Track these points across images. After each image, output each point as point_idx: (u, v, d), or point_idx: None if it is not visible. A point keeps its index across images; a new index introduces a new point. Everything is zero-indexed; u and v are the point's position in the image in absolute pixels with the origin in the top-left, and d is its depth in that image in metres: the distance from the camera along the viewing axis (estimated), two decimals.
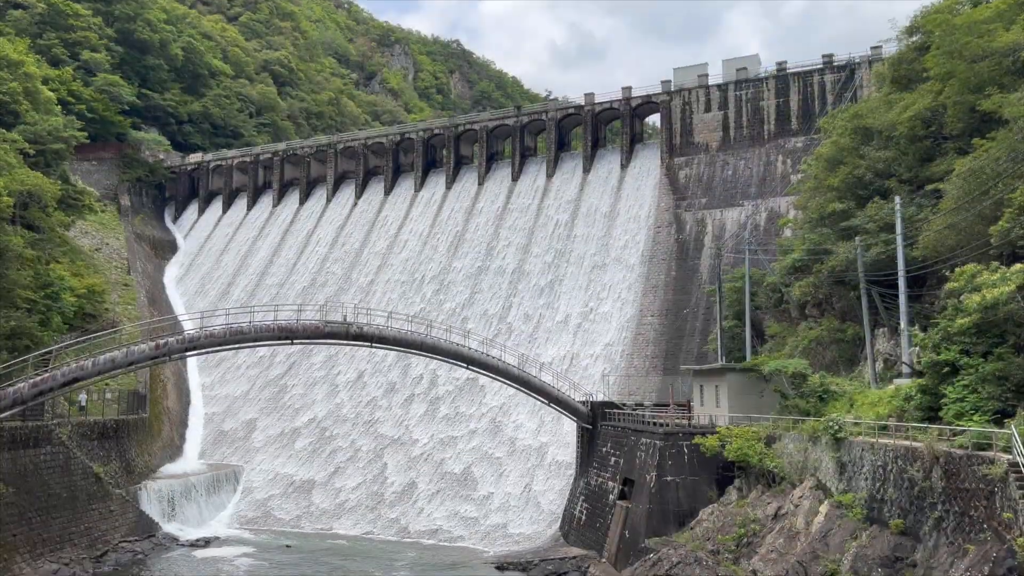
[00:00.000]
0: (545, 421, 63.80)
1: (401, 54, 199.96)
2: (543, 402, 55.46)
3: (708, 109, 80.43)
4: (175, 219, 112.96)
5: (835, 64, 75.86)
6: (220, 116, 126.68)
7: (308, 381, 78.81)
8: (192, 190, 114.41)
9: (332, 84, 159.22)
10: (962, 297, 31.94)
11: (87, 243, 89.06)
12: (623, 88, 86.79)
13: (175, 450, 71.83)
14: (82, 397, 56.57)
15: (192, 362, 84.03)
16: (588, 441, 54.62)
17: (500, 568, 47.83)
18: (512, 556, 50.26)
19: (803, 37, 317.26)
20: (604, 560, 45.82)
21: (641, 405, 54.95)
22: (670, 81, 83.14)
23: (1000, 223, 34.41)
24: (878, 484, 31.13)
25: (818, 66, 76.71)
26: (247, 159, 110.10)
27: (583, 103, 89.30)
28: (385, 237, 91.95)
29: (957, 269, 34.42)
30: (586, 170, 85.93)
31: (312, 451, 70.11)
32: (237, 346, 51.10)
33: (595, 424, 54.28)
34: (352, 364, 78.33)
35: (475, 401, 69.33)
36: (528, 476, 60.53)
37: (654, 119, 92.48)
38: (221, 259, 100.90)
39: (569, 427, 61.43)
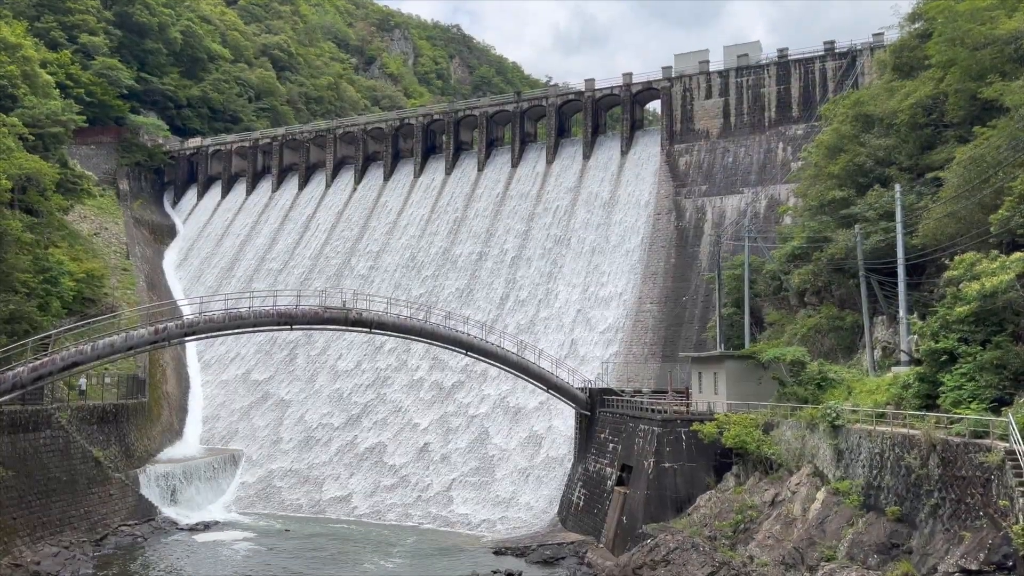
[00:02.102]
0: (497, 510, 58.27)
1: (401, 39, 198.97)
2: (542, 388, 55.59)
3: (709, 96, 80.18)
4: (174, 204, 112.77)
5: (836, 51, 75.58)
6: (219, 101, 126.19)
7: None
8: (191, 175, 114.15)
9: (331, 69, 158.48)
10: (961, 285, 31.95)
11: (86, 227, 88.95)
12: (623, 74, 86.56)
13: (174, 434, 71.98)
14: (82, 382, 56.75)
15: (191, 347, 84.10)
16: (586, 427, 54.80)
17: (498, 553, 48.06)
18: (510, 541, 50.51)
19: (807, 23, 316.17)
20: (602, 545, 46.07)
21: (639, 392, 55.07)
22: (671, 67, 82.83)
23: (1000, 211, 34.38)
24: (875, 471, 31.25)
25: (819, 53, 76.41)
26: (246, 144, 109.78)
27: (583, 89, 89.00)
28: (384, 223, 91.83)
29: (956, 257, 34.42)
30: (586, 156, 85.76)
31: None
32: (236, 331, 51.16)
33: (593, 410, 54.44)
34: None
35: (426, 474, 63.30)
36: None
37: (655, 105, 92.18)
38: (220, 244, 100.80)
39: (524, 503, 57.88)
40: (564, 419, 61.84)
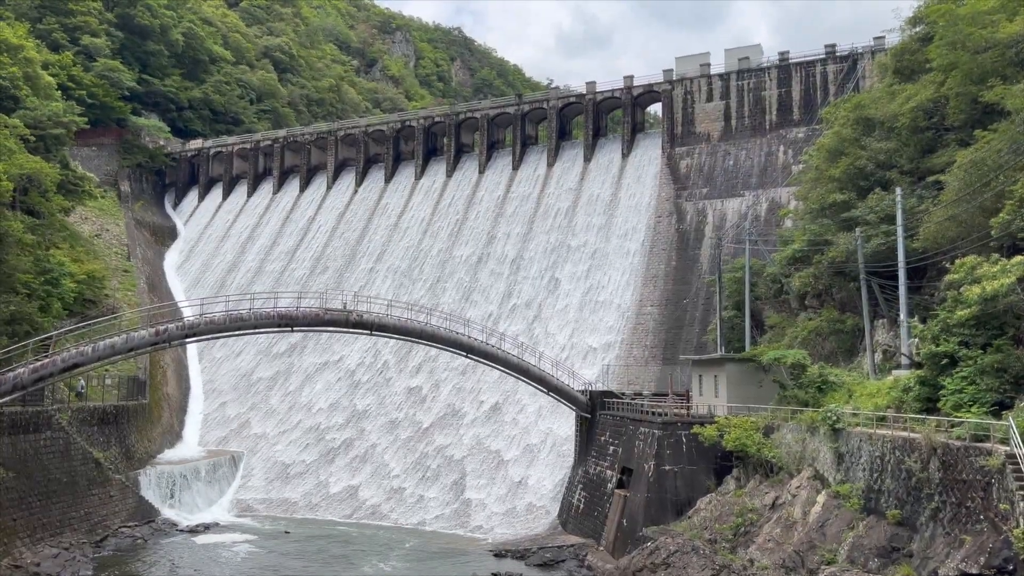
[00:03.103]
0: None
1: (402, 41, 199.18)
2: (542, 391, 55.56)
3: (710, 99, 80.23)
4: (175, 205, 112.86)
5: (838, 54, 75.63)
6: (220, 102, 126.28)
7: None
8: (192, 176, 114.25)
9: (333, 71, 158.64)
10: (962, 289, 31.97)
11: (87, 229, 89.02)
12: (624, 77, 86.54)
13: (175, 436, 71.99)
14: (81, 383, 56.47)
15: (192, 349, 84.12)
16: (587, 430, 54.77)
17: (498, 555, 48.02)
18: (510, 544, 50.47)
19: (810, 25, 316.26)
20: (602, 548, 46.03)
21: (640, 394, 55.00)
22: (672, 70, 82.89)
23: (1001, 215, 34.39)
24: (875, 475, 31.24)
25: (820, 56, 76.45)
26: (247, 146, 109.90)
27: (584, 92, 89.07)
28: (385, 225, 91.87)
29: (957, 261, 34.44)
30: (587, 159, 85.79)
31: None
32: (237, 333, 51.16)
33: (594, 413, 54.41)
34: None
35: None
36: None
37: (656, 108, 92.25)
38: (221, 246, 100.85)
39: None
40: (538, 474, 59.27)
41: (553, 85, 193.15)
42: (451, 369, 71.25)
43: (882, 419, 32.36)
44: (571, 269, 75.83)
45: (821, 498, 34.01)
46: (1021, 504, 23.59)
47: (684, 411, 47.44)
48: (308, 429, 71.98)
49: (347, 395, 74.52)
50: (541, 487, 58.53)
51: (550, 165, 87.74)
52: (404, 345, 71.63)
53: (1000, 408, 28.23)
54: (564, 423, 60.68)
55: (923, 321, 36.73)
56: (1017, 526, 23.49)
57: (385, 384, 74.18)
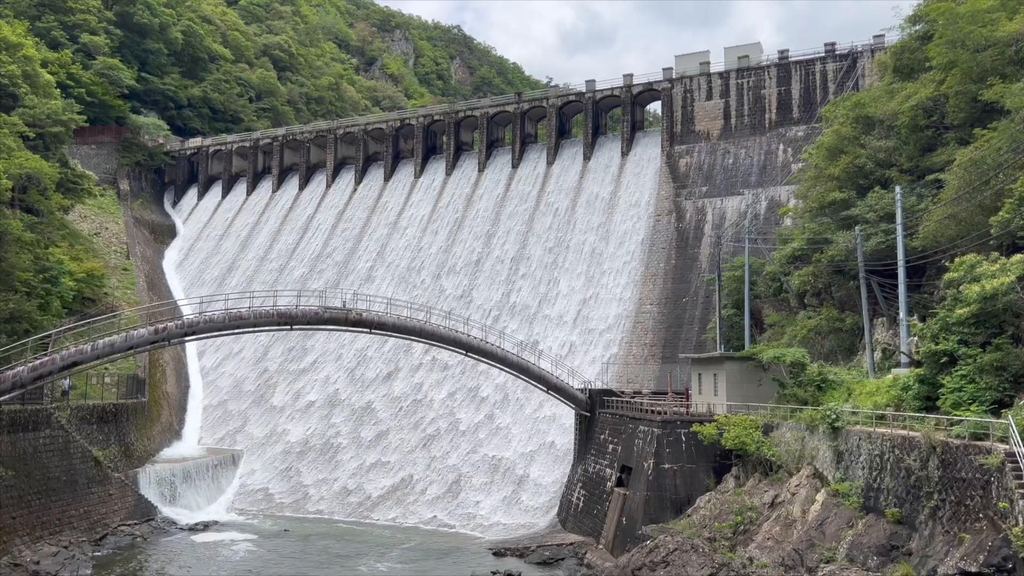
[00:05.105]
0: None
1: (401, 39, 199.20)
2: (542, 389, 55.56)
3: (709, 97, 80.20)
4: (174, 204, 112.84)
5: (837, 53, 75.62)
6: (220, 101, 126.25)
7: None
8: (191, 175, 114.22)
9: (332, 69, 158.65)
10: (961, 287, 31.98)
11: (86, 227, 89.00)
12: (624, 75, 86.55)
13: (174, 434, 71.97)
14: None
15: (191, 347, 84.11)
16: (586, 428, 54.78)
17: (497, 554, 48.02)
18: (509, 542, 50.46)
19: (813, 23, 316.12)
20: (601, 546, 46.03)
21: (639, 393, 55.04)
22: (672, 68, 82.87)
23: (1000, 213, 34.40)
24: (875, 473, 31.25)
25: (820, 55, 76.44)
26: (246, 144, 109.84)
27: (584, 90, 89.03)
28: (385, 223, 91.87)
29: (957, 259, 34.43)
30: (587, 157, 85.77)
31: None
32: (236, 331, 51.15)
33: (593, 411, 54.42)
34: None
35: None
36: None
37: (655, 106, 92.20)
38: (220, 244, 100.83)
39: None
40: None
41: (553, 83, 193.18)
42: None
43: (881, 417, 32.37)
44: (571, 267, 75.82)
45: (820, 496, 34.03)
46: (1020, 502, 23.59)
47: (683, 409, 47.46)
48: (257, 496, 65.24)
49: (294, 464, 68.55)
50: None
51: (550, 163, 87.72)
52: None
53: (999, 406, 28.24)
54: (519, 514, 56.90)
55: (922, 319, 36.75)
56: (1016, 524, 23.49)
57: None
